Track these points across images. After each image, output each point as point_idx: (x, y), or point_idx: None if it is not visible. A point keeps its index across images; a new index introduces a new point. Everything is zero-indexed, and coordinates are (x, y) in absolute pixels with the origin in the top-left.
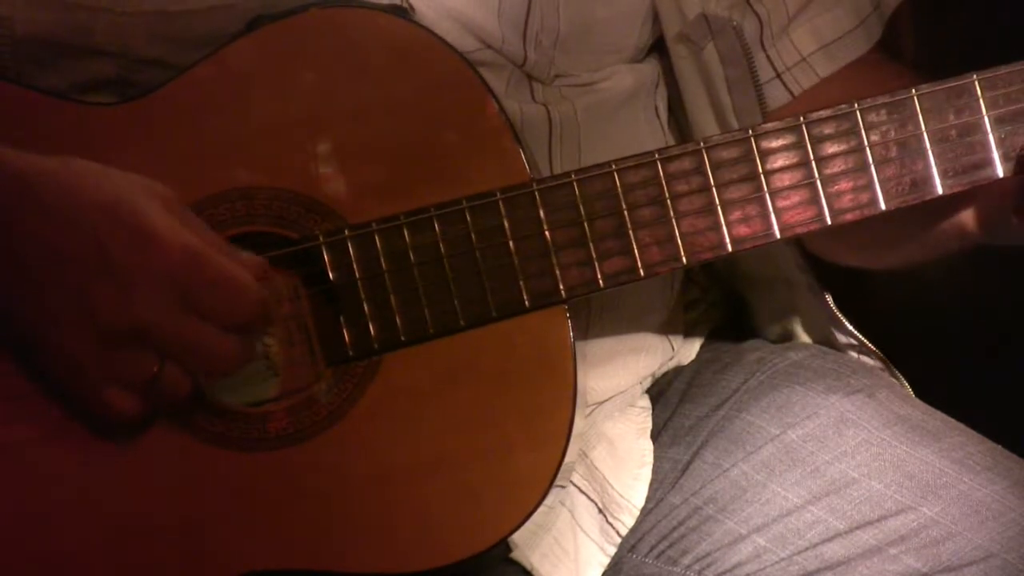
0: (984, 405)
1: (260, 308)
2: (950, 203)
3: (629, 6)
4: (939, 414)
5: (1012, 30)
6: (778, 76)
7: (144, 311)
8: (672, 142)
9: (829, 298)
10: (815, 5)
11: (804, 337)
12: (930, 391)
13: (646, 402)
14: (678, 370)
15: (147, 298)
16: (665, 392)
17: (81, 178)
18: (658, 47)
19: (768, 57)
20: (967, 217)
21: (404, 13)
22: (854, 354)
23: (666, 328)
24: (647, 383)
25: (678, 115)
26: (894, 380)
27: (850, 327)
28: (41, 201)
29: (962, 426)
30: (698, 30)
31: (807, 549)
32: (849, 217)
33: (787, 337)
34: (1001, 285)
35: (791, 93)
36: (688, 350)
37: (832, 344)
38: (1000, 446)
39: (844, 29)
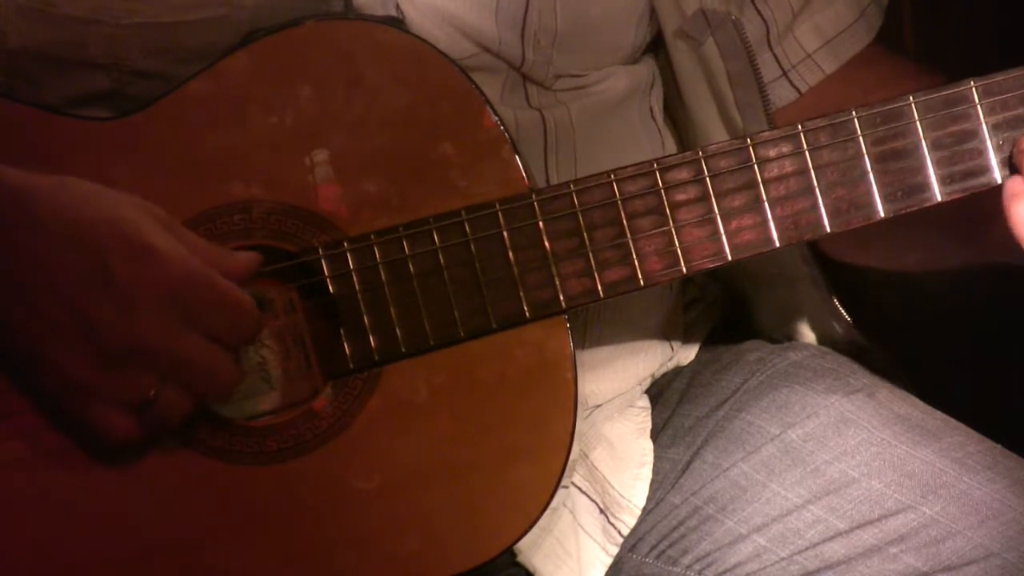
0: (984, 405)
1: (256, 324)
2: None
3: (626, 4)
4: (939, 413)
5: (1013, 30)
6: (784, 75)
7: (145, 329)
8: (669, 142)
9: (834, 297)
10: (817, 2)
11: (805, 333)
12: (930, 391)
13: (645, 402)
14: (677, 370)
15: (148, 316)
16: (664, 392)
17: (80, 196)
18: (654, 47)
19: (775, 56)
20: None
21: (399, 24)
22: (853, 350)
23: (665, 329)
24: (646, 384)
25: (677, 113)
26: (894, 379)
27: (849, 319)
28: (40, 217)
29: (962, 426)
30: (697, 25)
31: (807, 549)
32: (849, 224)
33: (788, 334)
34: (1001, 285)
35: (797, 91)
36: (687, 350)
37: (833, 340)
38: (1000, 446)
39: (845, 23)
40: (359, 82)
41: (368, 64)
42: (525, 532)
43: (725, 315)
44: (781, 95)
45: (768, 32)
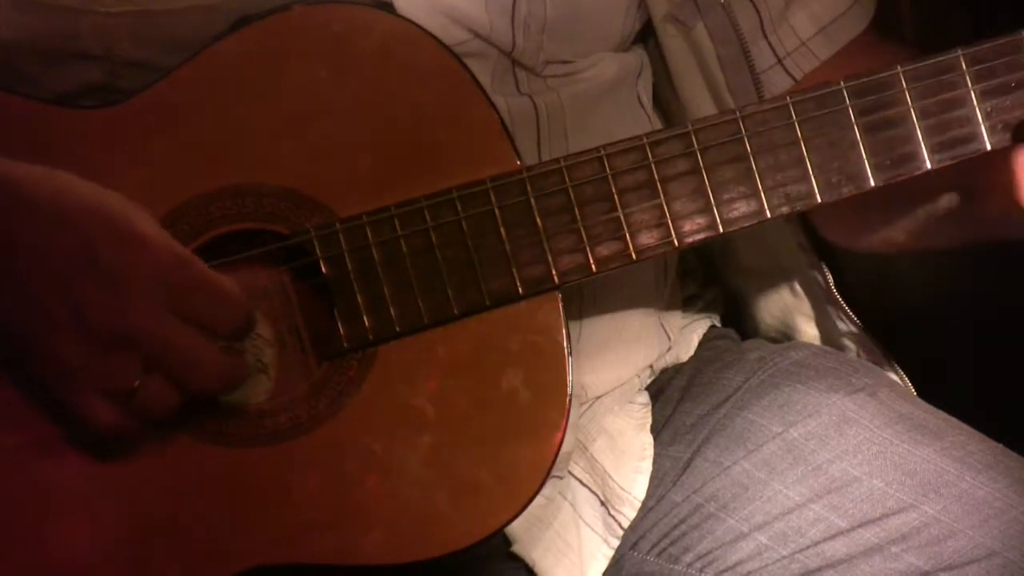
0: (984, 405)
1: (247, 315)
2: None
3: None
4: (940, 413)
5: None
6: (779, 62)
7: (134, 314)
8: (658, 127)
9: (830, 276)
10: None
11: (803, 328)
12: (930, 391)
13: (645, 398)
14: (678, 368)
15: (134, 300)
16: (666, 390)
17: (68, 183)
18: (643, 35)
19: (770, 44)
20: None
21: (388, 8)
22: (852, 344)
23: (662, 318)
24: (645, 377)
25: (668, 100)
26: (894, 378)
27: (846, 307)
28: (27, 204)
29: (963, 425)
30: (686, 10)
31: (809, 547)
32: (840, 194)
33: (785, 331)
34: (1001, 284)
35: (793, 78)
36: (686, 343)
37: (830, 334)
38: (1001, 445)
39: (840, 10)
40: (349, 65)
41: (358, 47)
42: (520, 511)
43: (725, 314)
44: (777, 83)
45: (761, 20)
